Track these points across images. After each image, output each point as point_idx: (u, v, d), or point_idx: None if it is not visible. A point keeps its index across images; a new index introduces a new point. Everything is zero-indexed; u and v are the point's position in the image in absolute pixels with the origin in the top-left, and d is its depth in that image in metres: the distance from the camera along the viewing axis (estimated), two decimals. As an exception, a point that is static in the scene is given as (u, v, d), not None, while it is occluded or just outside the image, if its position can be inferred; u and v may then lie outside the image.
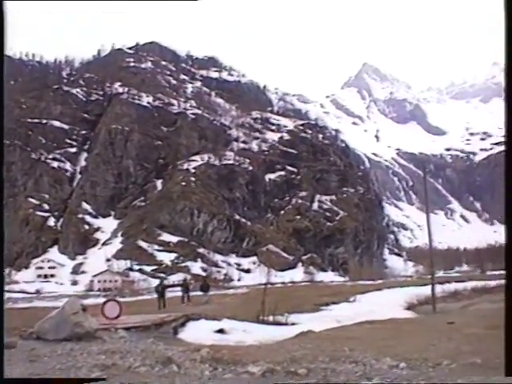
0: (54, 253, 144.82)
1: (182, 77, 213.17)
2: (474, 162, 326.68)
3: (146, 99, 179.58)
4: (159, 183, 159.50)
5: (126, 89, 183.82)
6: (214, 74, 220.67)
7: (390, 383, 6.74)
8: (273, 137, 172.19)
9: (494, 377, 6.58)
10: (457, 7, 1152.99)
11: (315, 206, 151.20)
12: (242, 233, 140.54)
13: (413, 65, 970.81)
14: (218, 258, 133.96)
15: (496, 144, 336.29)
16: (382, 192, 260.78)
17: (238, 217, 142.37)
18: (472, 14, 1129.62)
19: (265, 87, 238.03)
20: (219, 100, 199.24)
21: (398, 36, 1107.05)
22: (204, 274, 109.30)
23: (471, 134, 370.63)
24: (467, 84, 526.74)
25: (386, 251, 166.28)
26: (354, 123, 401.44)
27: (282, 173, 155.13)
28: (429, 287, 29.19)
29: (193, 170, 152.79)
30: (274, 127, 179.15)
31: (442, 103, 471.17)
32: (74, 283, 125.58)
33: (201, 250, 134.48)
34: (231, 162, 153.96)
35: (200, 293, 37.79)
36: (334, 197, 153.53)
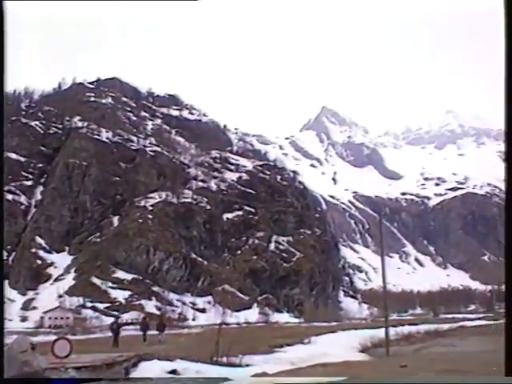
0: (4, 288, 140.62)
1: (143, 114, 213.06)
2: (428, 206, 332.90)
3: (106, 134, 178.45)
4: (116, 219, 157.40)
5: (86, 123, 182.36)
6: (175, 112, 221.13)
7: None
8: (231, 176, 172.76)
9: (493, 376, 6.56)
10: (413, 54, 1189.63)
11: (272, 246, 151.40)
12: (197, 272, 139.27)
13: (371, 109, 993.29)
14: (172, 296, 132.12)
15: (450, 189, 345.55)
16: (339, 234, 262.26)
17: (194, 255, 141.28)
18: (427, 62, 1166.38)
19: (225, 127, 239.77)
20: (179, 138, 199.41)
21: (358, 80, 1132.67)
22: (158, 312, 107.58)
23: (426, 179, 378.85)
24: (422, 130, 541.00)
25: (341, 293, 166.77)
26: (312, 165, 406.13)
27: (240, 212, 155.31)
28: (383, 330, 29.36)
29: (150, 208, 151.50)
30: (232, 167, 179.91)
31: (399, 148, 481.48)
32: (24, 319, 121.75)
33: (156, 289, 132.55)
34: (189, 200, 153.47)
35: (155, 332, 37.33)
36: (290, 238, 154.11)
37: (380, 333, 31.23)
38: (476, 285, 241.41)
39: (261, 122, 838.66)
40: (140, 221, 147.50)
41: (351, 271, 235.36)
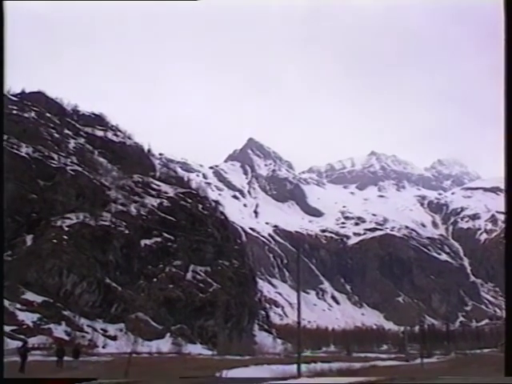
0: None
1: (66, 131, 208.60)
2: (347, 245, 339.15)
3: (25, 150, 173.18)
4: (29, 238, 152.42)
5: (6, 137, 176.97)
6: (99, 133, 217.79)
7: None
8: (152, 202, 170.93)
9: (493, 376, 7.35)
10: (338, 92, 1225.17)
11: (189, 276, 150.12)
12: (111, 298, 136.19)
13: (296, 145, 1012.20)
14: (83, 322, 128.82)
15: (369, 230, 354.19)
16: (257, 267, 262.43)
17: (108, 281, 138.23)
18: (351, 103, 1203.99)
19: (149, 151, 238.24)
20: (102, 159, 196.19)
21: (286, 115, 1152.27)
22: (67, 338, 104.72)
23: (346, 218, 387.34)
24: (346, 170, 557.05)
25: (257, 327, 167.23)
26: (235, 197, 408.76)
27: (159, 239, 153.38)
28: (295, 366, 30.14)
29: (66, 228, 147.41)
30: (154, 192, 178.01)
31: (321, 186, 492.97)
32: None
33: (66, 313, 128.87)
34: (107, 223, 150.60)
35: (70, 358, 36.70)
36: (208, 268, 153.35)
37: (292, 369, 31.81)
38: (390, 325, 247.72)
39: (186, 149, 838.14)
40: (55, 241, 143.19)
41: (268, 305, 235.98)
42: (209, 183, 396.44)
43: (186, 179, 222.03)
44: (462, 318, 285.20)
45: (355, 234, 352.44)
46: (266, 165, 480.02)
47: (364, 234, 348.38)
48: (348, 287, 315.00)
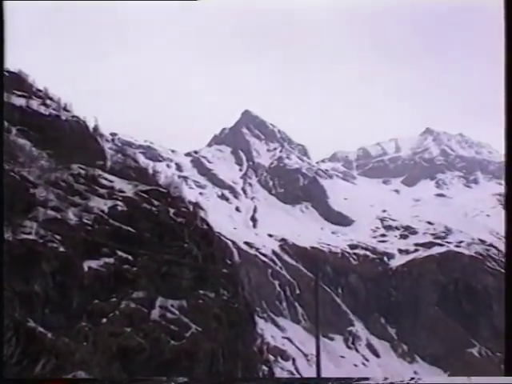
0: None
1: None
2: (389, 267, 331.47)
3: None
4: None
5: None
6: (19, 101, 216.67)
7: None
8: (101, 205, 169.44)
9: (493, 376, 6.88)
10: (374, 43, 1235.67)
11: (156, 314, 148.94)
12: (37, 349, 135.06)
13: (313, 121, 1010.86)
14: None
15: (422, 245, 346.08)
16: (256, 300, 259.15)
17: (33, 323, 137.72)
18: (393, 56, 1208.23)
19: (96, 130, 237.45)
20: (23, 141, 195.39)
21: (295, 76, 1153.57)
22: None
23: (388, 228, 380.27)
24: (387, 156, 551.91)
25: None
26: (223, 197, 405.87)
27: (110, 260, 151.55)
28: None
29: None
30: (103, 191, 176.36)
31: (350, 180, 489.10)
32: None
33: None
34: (32, 237, 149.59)
35: None
36: (184, 302, 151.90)
37: None
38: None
39: (151, 128, 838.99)
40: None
41: (272, 357, 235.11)
42: (185, 177, 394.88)
43: (150, 171, 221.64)
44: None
45: (402, 251, 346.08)
46: (268, 150, 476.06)
47: (415, 251, 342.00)
48: (392, 331, 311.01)
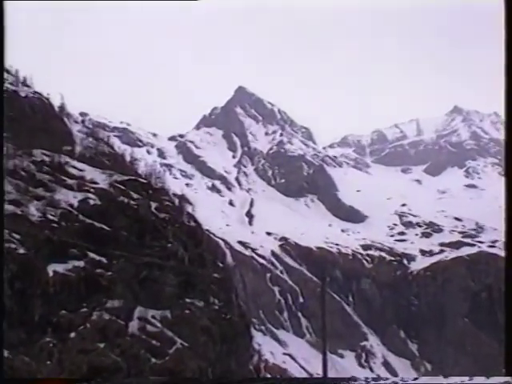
0: None
1: None
2: (409, 271, 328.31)
3: None
4: None
5: None
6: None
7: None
8: (69, 198, 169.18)
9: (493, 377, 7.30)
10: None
11: (134, 326, 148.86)
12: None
13: (319, 100, 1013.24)
14: None
15: (449, 245, 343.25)
16: (252, 310, 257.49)
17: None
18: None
19: (62, 109, 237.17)
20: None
21: (299, 52, 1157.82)
22: None
23: (408, 225, 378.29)
24: (406, 141, 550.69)
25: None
26: (214, 188, 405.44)
27: (80, 263, 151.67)
28: None
29: None
30: (72, 181, 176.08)
31: (363, 169, 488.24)
32: None
33: None
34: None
35: None
36: (168, 313, 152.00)
37: None
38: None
39: (127, 107, 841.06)
40: None
41: (271, 376, 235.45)
42: (169, 165, 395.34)
43: (128, 159, 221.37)
44: None
45: (424, 252, 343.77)
46: (267, 133, 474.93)
47: (440, 252, 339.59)
48: (413, 347, 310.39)
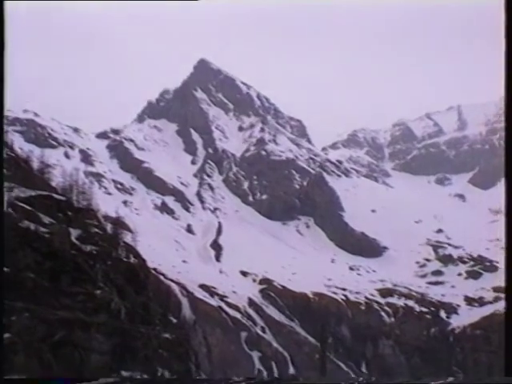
0: None
1: None
2: (449, 328, 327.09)
3: None
4: None
5: None
6: None
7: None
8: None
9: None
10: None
11: None
12: None
13: (316, 84, 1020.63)
14: None
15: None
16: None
17: None
18: None
19: None
20: None
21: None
22: None
23: (445, 261, 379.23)
24: (443, 137, 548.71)
25: None
26: (164, 207, 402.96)
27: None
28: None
29: None
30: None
31: (381, 178, 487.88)
32: None
33: None
34: None
35: None
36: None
37: None
38: None
39: (35, 91, 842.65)
40: None
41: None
42: (98, 175, 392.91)
43: (36, 165, 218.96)
44: None
45: (471, 300, 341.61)
46: (241, 128, 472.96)
47: (495, 300, 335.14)
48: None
